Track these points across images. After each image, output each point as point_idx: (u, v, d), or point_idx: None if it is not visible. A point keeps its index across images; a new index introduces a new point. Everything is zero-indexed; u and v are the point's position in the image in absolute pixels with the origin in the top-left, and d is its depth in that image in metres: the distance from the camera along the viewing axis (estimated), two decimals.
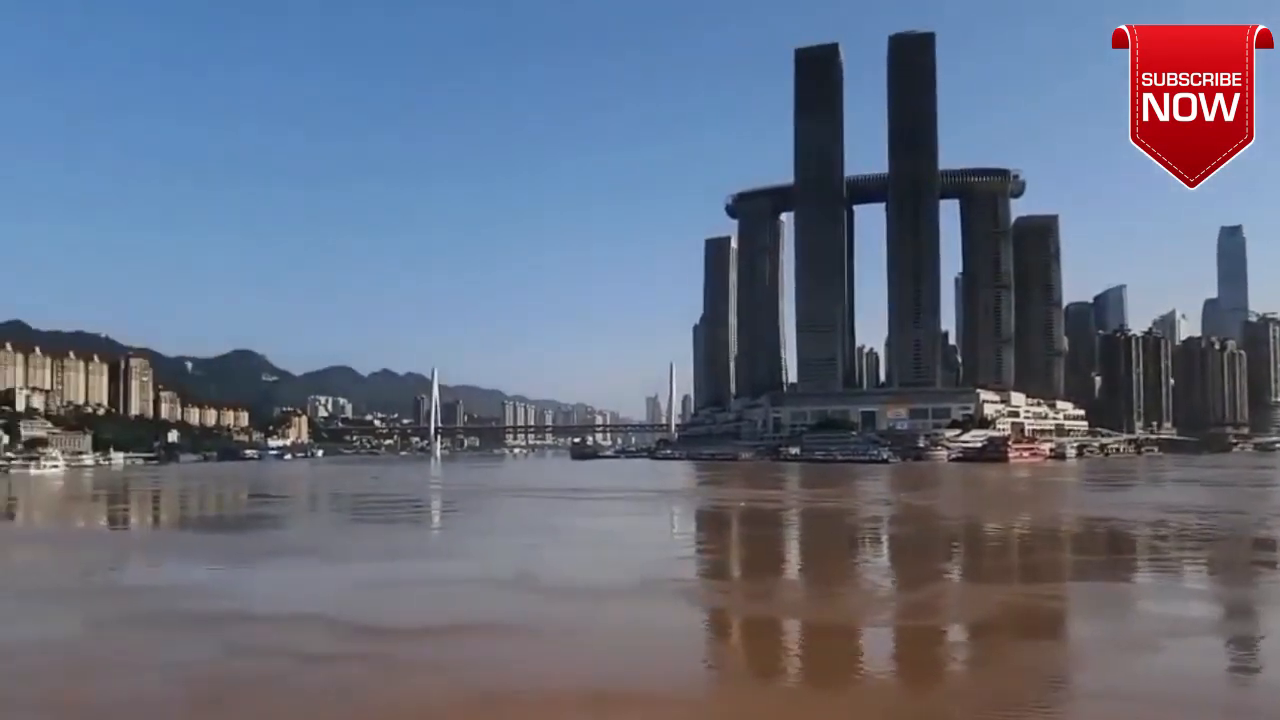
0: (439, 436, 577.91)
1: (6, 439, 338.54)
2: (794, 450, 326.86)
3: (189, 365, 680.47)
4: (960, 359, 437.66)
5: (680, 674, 25.98)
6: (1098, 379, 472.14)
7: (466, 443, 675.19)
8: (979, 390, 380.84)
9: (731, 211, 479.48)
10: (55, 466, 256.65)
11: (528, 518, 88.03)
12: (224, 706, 22.92)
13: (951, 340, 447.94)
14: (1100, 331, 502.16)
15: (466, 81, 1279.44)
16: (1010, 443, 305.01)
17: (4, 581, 47.28)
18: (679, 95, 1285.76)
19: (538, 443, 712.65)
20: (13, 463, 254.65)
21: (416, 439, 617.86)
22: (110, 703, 23.57)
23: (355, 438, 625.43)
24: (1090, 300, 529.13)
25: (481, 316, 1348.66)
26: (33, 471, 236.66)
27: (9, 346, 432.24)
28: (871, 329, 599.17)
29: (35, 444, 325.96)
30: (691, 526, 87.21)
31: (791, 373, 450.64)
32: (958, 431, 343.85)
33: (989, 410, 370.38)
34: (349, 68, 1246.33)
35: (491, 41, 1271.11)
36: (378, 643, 28.90)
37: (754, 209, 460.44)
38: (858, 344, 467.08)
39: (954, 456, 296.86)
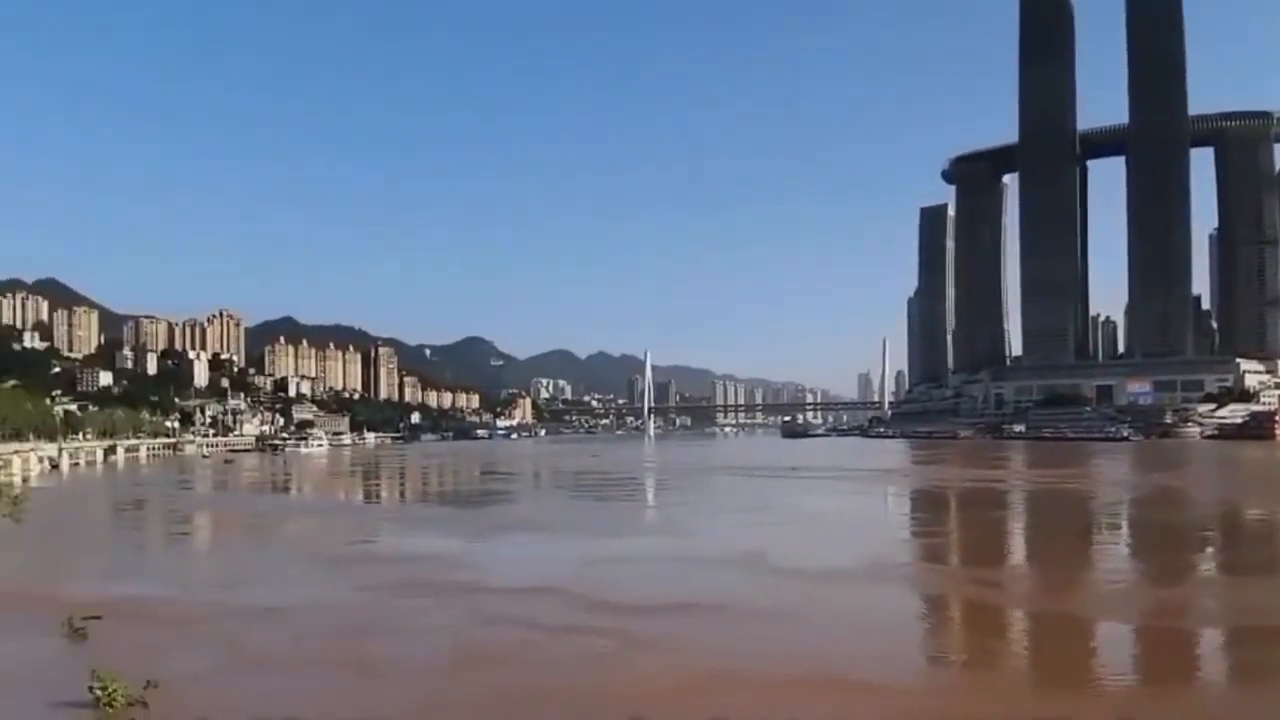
0: (652, 415, 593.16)
1: (282, 421, 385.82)
2: (1018, 428, 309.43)
3: (428, 352, 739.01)
4: (1215, 325, 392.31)
5: (907, 663, 25.65)
6: None
7: (678, 421, 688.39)
8: (1239, 360, 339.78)
9: (949, 177, 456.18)
10: (320, 445, 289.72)
11: (747, 496, 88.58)
12: (485, 669, 24.98)
13: (1204, 304, 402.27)
14: None
15: (672, 68, 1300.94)
16: (1278, 418, 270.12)
17: (283, 549, 54.06)
18: (889, 59, 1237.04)
19: (748, 421, 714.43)
20: (287, 442, 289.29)
21: (631, 418, 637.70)
22: (381, 661, 26.12)
23: (574, 417, 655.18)
24: None
25: (692, 297, 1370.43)
26: (303, 450, 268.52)
27: (282, 340, 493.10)
28: (1108, 295, 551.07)
29: (304, 425, 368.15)
30: (912, 507, 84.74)
31: (1015, 345, 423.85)
32: (1213, 406, 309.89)
33: (1251, 381, 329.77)
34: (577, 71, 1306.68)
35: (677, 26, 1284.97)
36: (614, 618, 30.20)
37: (973, 172, 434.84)
38: (1091, 312, 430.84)
39: (1208, 434, 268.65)
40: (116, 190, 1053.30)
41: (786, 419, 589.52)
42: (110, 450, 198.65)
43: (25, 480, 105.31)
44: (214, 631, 30.44)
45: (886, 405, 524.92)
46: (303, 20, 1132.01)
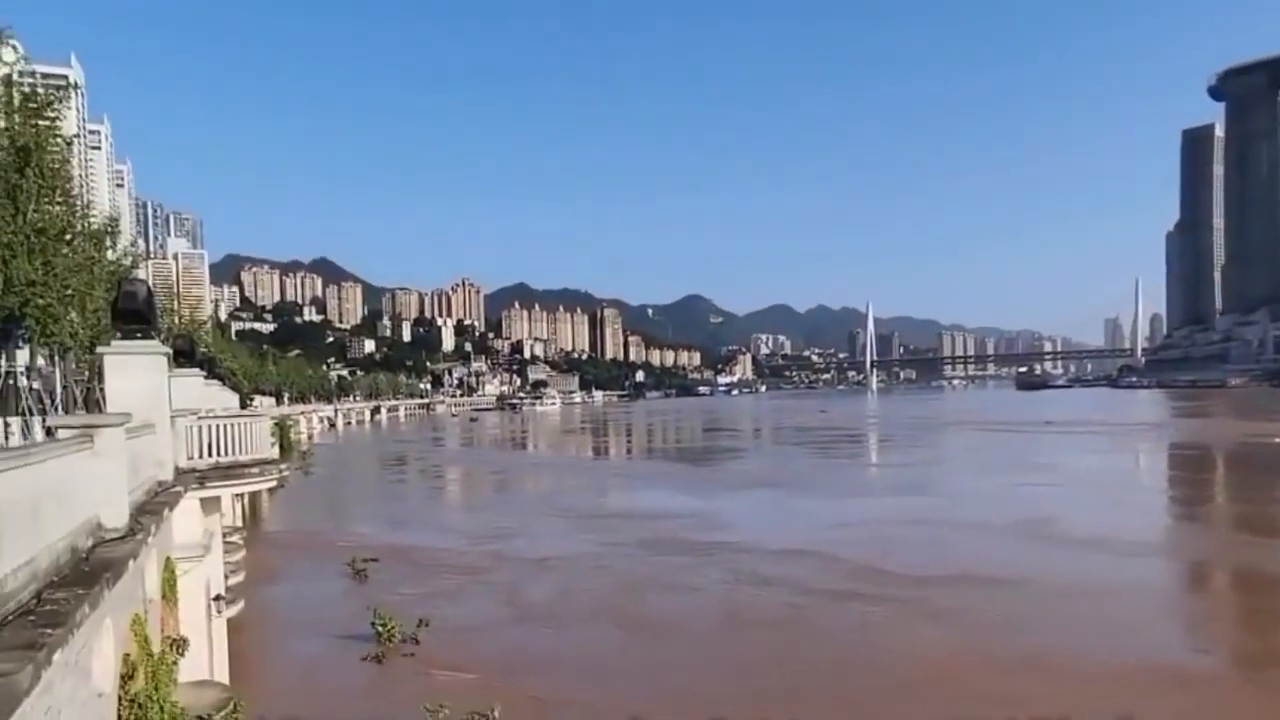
0: (874, 370, 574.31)
1: (518, 381, 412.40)
2: None
3: (650, 311, 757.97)
4: None
5: (1235, 654, 23.19)
6: None
7: (902, 375, 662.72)
8: None
9: (1216, 93, 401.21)
10: (553, 403, 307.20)
11: (1000, 453, 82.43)
12: (762, 632, 24.74)
13: None
14: None
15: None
16: None
17: (536, 504, 56.75)
18: None
19: (978, 373, 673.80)
20: (524, 401, 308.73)
21: (852, 372, 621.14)
22: (655, 620, 26.71)
23: (794, 373, 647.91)
24: None
25: (914, 243, 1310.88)
26: (538, 408, 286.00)
27: (517, 305, 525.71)
28: None
29: (538, 385, 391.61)
30: (1197, 468, 73.72)
31: None
32: None
33: None
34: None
35: None
36: (889, 586, 28.90)
37: (1247, 86, 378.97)
38: None
39: None
40: (373, 179, 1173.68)
41: (1021, 370, 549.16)
42: (375, 410, 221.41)
43: (310, 437, 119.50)
44: (492, 581, 32.74)
45: (1139, 352, 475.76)
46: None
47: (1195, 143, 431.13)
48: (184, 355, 20.89)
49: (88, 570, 8.42)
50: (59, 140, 30.41)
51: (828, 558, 33.35)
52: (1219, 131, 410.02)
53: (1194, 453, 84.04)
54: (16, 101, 28.83)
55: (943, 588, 28.35)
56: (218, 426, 18.17)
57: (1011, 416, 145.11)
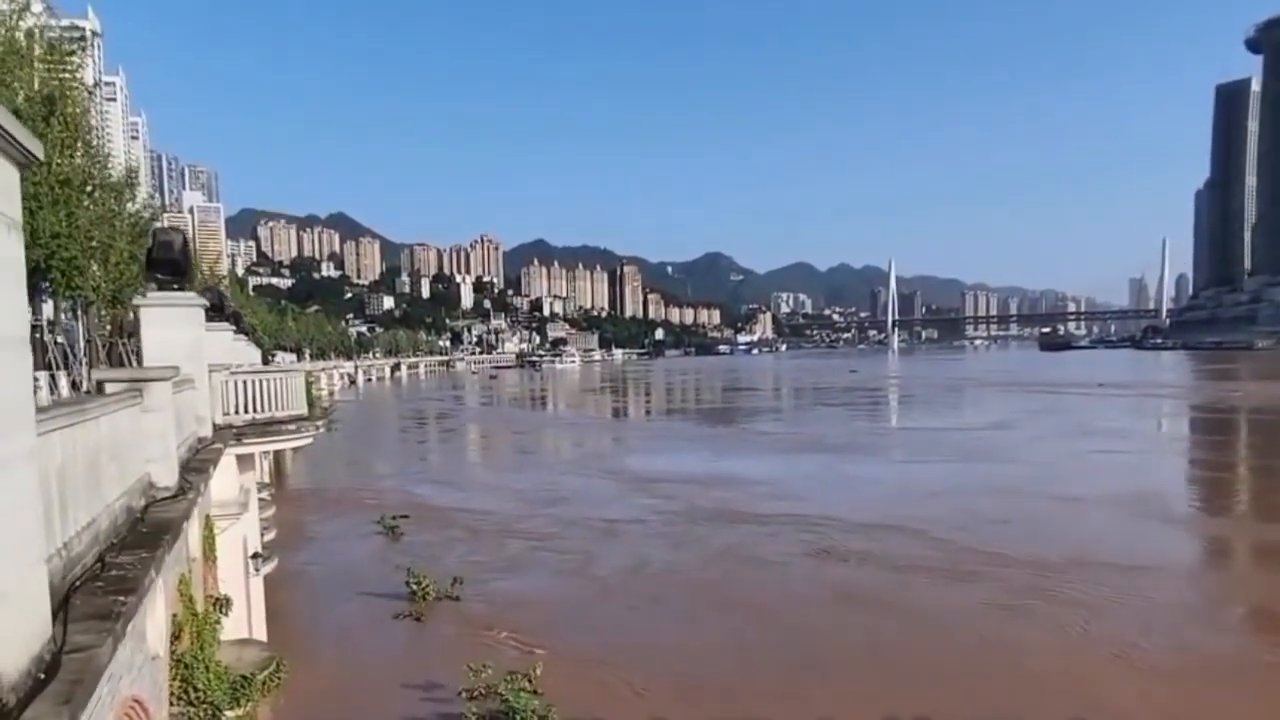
0: (896, 329, 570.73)
1: (538, 339, 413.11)
2: None
3: (669, 269, 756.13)
4: None
5: None
6: None
7: (924, 335, 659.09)
8: None
9: (1254, 45, 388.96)
10: (573, 362, 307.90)
11: (1055, 417, 76.85)
12: (876, 614, 22.63)
13: None
14: None
15: None
16: None
17: (570, 465, 55.08)
18: None
19: (1000, 333, 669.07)
20: (544, 359, 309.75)
21: (873, 332, 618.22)
22: (740, 594, 24.69)
23: (814, 332, 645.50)
24: None
25: (938, 201, 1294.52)
26: (558, 366, 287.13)
27: (536, 262, 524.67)
28: None
29: (557, 343, 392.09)
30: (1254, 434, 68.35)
31: None
32: None
33: None
34: None
35: None
36: (999, 567, 26.39)
37: None
38: None
39: None
40: (390, 134, 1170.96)
41: (1045, 330, 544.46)
42: (395, 367, 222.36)
43: (331, 394, 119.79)
44: (550, 547, 31.28)
45: (1164, 313, 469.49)
46: None
47: (1229, 98, 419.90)
48: (214, 309, 20.48)
49: (146, 532, 8.07)
50: (81, 89, 29.94)
51: (916, 534, 30.71)
52: (1255, 86, 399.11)
53: (1271, 418, 77.06)
54: (39, 51, 28.32)
55: (1063, 573, 25.41)
56: (254, 382, 17.83)
57: (1050, 378, 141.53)
